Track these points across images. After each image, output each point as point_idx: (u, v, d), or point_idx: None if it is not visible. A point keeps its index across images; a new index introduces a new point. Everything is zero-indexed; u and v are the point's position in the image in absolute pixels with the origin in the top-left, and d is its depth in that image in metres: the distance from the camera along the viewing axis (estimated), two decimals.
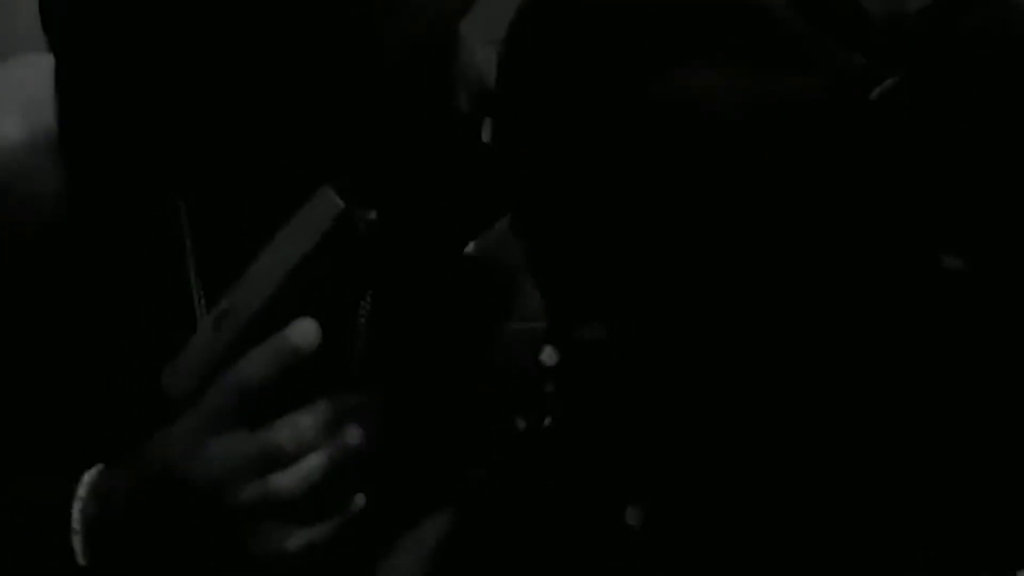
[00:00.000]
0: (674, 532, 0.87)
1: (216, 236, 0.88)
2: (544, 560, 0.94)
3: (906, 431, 0.77)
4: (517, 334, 1.05)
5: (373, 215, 0.79)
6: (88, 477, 0.84)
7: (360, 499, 0.85)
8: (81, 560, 0.82)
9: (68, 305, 0.87)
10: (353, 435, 0.84)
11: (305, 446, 0.82)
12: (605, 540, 0.91)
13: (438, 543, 1.03)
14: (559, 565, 0.93)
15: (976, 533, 0.77)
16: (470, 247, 0.94)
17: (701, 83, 0.74)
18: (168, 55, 0.83)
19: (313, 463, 0.82)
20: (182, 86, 0.84)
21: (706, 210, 0.76)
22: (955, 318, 0.75)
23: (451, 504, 1.04)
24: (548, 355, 1.01)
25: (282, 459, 0.81)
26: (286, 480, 0.81)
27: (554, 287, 0.89)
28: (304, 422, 0.82)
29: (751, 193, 0.75)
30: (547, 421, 1.00)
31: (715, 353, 0.80)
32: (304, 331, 0.81)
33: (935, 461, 0.77)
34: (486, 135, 0.90)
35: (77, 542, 0.82)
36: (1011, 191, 0.73)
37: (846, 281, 0.76)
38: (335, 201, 0.80)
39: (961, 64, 0.73)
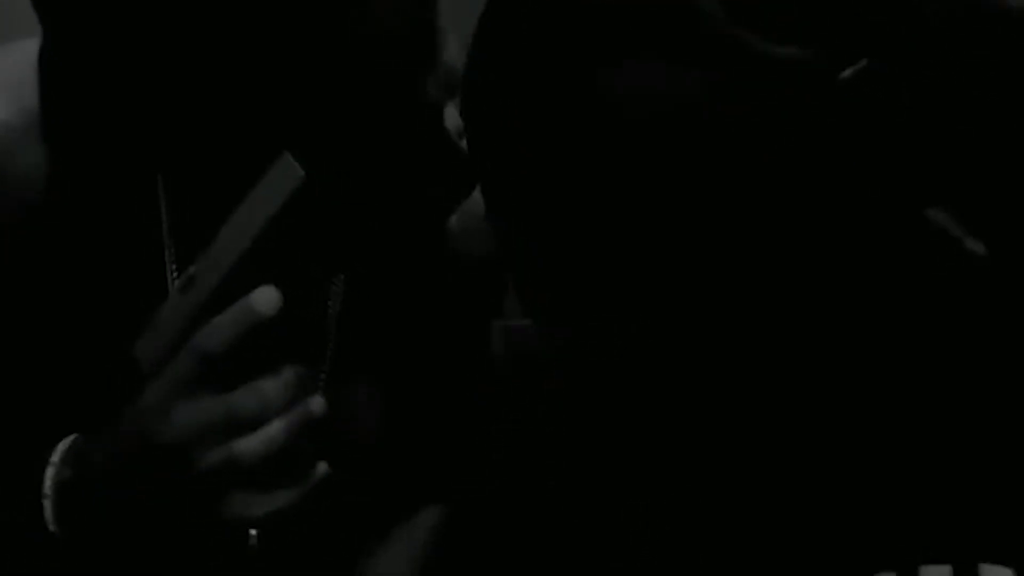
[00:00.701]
0: (674, 532, 0.86)
1: (193, 208, 0.91)
2: (544, 560, 0.93)
3: (907, 429, 0.76)
4: (516, 332, 1.06)
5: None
6: (62, 445, 0.85)
7: (323, 467, 0.86)
8: (51, 526, 0.84)
9: (47, 278, 0.90)
10: (317, 403, 0.85)
11: (268, 412, 0.83)
12: (605, 540, 0.90)
13: (436, 541, 1.03)
14: (559, 565, 0.93)
15: (975, 533, 0.76)
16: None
17: (638, 78, 0.75)
18: (152, 32, 0.86)
19: (276, 429, 0.83)
20: (163, 61, 0.86)
21: (663, 203, 0.76)
22: (965, 305, 0.74)
23: (450, 502, 1.04)
24: None
25: (246, 424, 0.83)
26: (249, 445, 0.82)
27: (526, 283, 0.89)
28: (268, 388, 0.83)
29: (695, 187, 0.75)
30: (546, 418, 1.00)
31: (695, 351, 0.79)
32: (265, 298, 0.82)
33: (936, 461, 0.76)
34: (448, 121, 0.92)
35: (48, 508, 0.84)
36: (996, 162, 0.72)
37: (834, 267, 0.75)
38: (295, 168, 0.82)
39: (932, 51, 0.73)
